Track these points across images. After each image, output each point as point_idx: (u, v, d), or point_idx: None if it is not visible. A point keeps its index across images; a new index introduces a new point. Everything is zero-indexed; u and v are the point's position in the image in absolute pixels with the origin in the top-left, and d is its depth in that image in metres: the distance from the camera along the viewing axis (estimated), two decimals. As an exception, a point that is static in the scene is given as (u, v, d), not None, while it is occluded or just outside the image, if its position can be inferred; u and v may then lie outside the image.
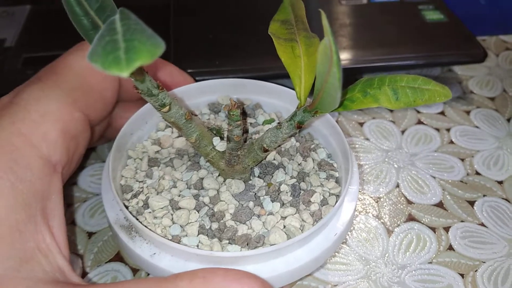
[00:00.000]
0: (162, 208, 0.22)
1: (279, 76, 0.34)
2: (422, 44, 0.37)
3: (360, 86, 0.20)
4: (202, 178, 0.23)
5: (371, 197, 0.30)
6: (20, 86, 0.21)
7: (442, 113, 0.37)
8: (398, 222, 0.28)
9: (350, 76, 0.40)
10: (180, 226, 0.21)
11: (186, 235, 0.21)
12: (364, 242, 0.27)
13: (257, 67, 0.34)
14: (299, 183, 0.23)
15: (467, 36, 0.38)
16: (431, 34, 0.38)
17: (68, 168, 0.20)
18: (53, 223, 0.18)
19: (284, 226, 0.21)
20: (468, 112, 0.37)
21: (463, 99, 0.38)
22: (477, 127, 0.35)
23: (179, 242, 0.20)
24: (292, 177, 0.23)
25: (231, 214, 0.22)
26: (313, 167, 0.24)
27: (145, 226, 0.20)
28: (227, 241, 0.21)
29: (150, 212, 0.22)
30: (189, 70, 0.32)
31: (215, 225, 0.21)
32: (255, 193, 0.23)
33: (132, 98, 0.26)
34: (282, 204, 0.22)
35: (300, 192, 0.23)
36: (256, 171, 0.24)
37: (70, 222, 0.28)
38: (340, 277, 0.25)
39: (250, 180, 0.23)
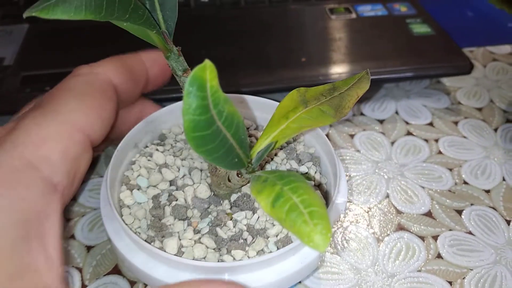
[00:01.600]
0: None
1: (269, 91, 0.35)
2: (411, 57, 0.39)
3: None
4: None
5: (362, 208, 0.31)
6: (23, 112, 0.22)
7: (430, 124, 0.38)
8: (388, 232, 0.29)
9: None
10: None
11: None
12: (355, 251, 0.28)
13: (248, 82, 0.35)
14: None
15: (454, 48, 0.40)
16: (419, 48, 0.40)
17: (69, 188, 0.21)
18: (48, 241, 0.18)
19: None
20: (456, 123, 0.38)
21: (451, 110, 0.39)
22: (465, 137, 0.36)
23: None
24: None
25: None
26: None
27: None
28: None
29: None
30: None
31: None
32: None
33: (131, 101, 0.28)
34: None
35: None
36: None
37: (70, 236, 0.29)
38: (332, 286, 0.26)
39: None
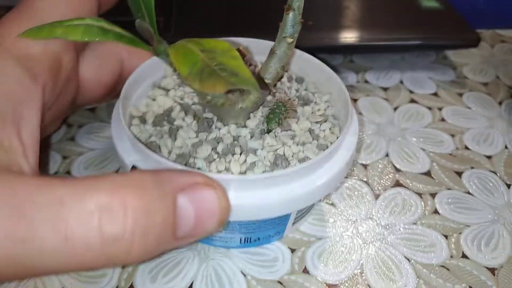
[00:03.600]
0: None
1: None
2: (418, 27, 0.38)
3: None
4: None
5: (361, 164, 0.30)
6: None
7: (435, 94, 0.37)
8: (386, 187, 0.29)
9: (347, 53, 0.41)
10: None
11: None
12: (351, 204, 0.28)
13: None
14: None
15: (461, 22, 0.39)
16: (427, 20, 0.39)
17: (51, 88, 0.20)
18: (23, 128, 0.18)
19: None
20: (460, 95, 0.37)
21: (457, 82, 0.39)
22: (469, 107, 0.36)
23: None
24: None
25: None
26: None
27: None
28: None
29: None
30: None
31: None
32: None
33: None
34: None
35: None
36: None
37: (65, 172, 0.29)
38: (324, 232, 0.26)
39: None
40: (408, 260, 0.25)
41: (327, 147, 0.23)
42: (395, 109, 0.35)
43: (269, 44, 0.29)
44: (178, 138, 0.23)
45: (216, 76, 0.17)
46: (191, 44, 0.19)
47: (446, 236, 0.26)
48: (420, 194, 0.29)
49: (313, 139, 0.23)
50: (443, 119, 0.35)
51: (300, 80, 0.27)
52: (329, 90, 0.26)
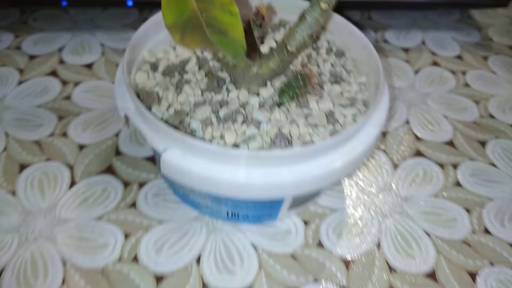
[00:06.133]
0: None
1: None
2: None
3: None
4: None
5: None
6: None
7: (459, 57, 0.35)
8: (405, 157, 0.27)
9: (365, 9, 0.38)
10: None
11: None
12: (368, 174, 0.26)
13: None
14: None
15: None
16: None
17: None
18: None
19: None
20: (486, 58, 0.35)
21: (482, 45, 0.36)
22: (494, 72, 0.34)
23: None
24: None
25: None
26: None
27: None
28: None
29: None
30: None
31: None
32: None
33: None
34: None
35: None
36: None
37: (62, 134, 0.27)
38: (339, 204, 0.24)
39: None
40: (428, 234, 0.23)
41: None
42: (416, 72, 0.33)
43: (300, 3, 0.26)
44: (182, 93, 0.21)
45: (199, 31, 0.14)
46: None
47: (468, 210, 0.25)
48: (441, 165, 0.27)
49: (328, 123, 0.21)
50: (466, 84, 0.32)
51: (339, 54, 0.24)
52: (367, 71, 0.23)
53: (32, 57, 0.32)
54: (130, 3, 0.32)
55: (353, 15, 0.38)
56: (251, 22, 0.19)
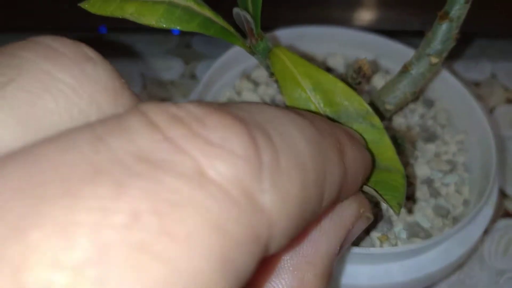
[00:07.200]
0: None
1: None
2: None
3: None
4: None
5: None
6: None
7: (534, 92, 0.32)
8: (493, 218, 0.24)
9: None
10: None
11: None
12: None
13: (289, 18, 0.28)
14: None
15: None
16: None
17: None
18: None
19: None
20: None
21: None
22: None
23: None
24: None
25: None
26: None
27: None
28: None
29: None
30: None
31: None
32: None
33: None
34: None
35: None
36: None
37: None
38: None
39: None
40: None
41: (448, 213, 0.18)
42: (491, 110, 0.30)
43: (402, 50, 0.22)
44: None
45: None
46: (296, 67, 0.14)
47: None
48: (535, 229, 0.24)
49: (430, 196, 0.18)
50: (548, 126, 0.29)
51: (429, 104, 0.21)
52: (465, 126, 0.20)
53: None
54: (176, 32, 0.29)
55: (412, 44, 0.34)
56: (350, 78, 0.17)
